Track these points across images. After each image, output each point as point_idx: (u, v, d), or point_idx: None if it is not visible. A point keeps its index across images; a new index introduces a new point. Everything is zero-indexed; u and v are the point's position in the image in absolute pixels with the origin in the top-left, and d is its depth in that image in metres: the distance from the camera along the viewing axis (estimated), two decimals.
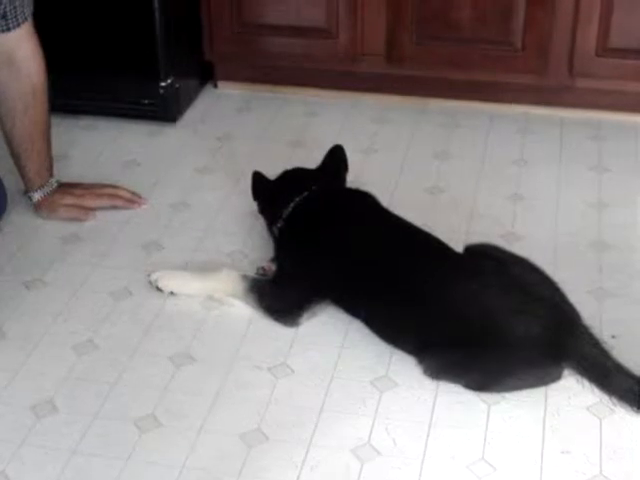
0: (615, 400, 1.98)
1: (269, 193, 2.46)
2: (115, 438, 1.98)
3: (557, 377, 2.07)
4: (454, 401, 2.06)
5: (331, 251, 2.26)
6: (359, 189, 2.44)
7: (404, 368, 2.13)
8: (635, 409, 1.97)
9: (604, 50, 3.00)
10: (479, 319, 2.05)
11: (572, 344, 2.03)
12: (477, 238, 2.40)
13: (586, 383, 2.01)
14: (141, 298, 2.34)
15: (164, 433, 1.99)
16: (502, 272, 2.14)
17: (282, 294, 2.29)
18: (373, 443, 1.97)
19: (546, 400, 2.05)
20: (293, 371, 2.15)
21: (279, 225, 2.38)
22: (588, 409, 2.03)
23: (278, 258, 2.39)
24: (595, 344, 2.04)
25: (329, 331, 2.26)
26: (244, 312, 2.32)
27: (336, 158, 2.51)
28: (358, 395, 2.09)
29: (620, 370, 1.99)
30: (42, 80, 2.57)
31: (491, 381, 2.08)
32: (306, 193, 2.39)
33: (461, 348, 2.06)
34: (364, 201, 2.39)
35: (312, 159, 2.54)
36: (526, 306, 2.05)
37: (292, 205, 2.37)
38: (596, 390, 2.01)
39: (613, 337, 2.20)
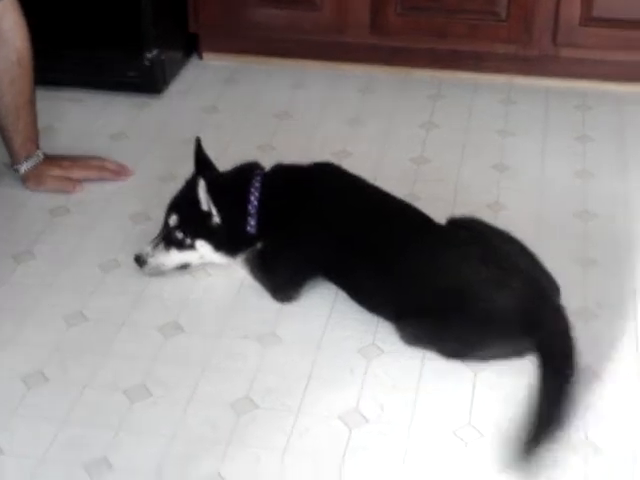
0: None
1: (226, 193, 2.28)
2: (105, 408, 2.00)
3: (532, 349, 2.06)
4: (440, 368, 2.09)
5: (315, 225, 2.25)
6: (317, 162, 2.37)
7: (391, 336, 2.15)
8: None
9: (588, 20, 3.01)
10: (455, 289, 2.08)
11: (544, 318, 2.04)
12: (463, 208, 2.41)
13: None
14: (129, 269, 2.34)
15: (154, 403, 2.01)
16: (481, 243, 2.16)
17: (275, 271, 2.29)
18: (361, 410, 1.99)
19: (531, 367, 2.06)
20: (281, 340, 2.17)
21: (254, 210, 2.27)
22: None
23: (264, 239, 2.31)
24: (564, 326, 2.03)
25: (316, 300, 2.27)
26: (232, 282, 2.34)
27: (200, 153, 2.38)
28: (345, 363, 2.11)
29: (564, 368, 1.97)
30: (27, 50, 2.56)
31: (463, 350, 2.09)
32: (259, 178, 2.29)
33: (436, 317, 2.08)
34: (336, 172, 2.36)
35: (298, 130, 2.54)
36: (502, 278, 2.07)
37: (256, 191, 2.27)
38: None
39: (598, 305, 2.23)
